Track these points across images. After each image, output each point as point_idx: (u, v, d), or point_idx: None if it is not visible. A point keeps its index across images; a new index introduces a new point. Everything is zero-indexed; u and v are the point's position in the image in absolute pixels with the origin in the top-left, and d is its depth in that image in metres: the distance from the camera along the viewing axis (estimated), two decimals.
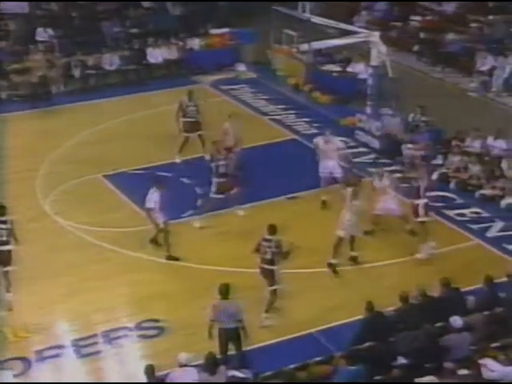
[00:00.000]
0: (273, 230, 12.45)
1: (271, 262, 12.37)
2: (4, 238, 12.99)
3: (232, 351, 11.26)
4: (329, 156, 16.40)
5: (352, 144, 19.60)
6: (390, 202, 15.00)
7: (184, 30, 25.77)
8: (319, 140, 16.76)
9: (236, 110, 17.56)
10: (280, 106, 22.31)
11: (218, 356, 10.46)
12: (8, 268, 13.04)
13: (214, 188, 15.38)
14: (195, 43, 25.42)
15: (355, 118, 20.30)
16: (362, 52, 21.68)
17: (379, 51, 19.16)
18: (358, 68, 22.71)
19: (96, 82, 23.89)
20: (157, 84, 23.56)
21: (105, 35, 25.23)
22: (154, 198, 14.28)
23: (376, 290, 13.22)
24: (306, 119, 21.36)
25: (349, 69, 23.20)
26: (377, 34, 19.52)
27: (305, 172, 17.17)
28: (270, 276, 12.46)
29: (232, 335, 11.24)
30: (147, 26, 25.99)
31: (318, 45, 21.83)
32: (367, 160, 18.78)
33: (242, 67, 25.24)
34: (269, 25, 24.59)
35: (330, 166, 16.35)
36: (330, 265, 14.05)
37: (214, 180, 15.38)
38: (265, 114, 21.84)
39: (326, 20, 21.66)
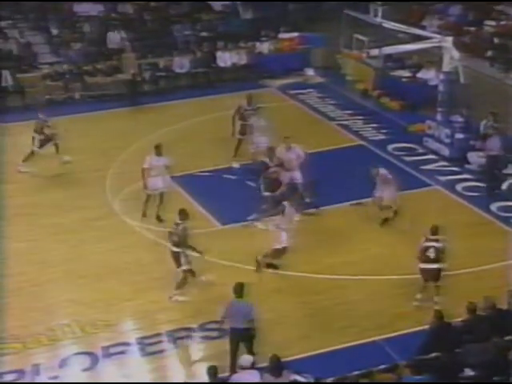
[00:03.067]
0: (183, 214, 13.13)
1: (177, 245, 13.12)
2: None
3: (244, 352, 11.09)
4: (290, 165, 16.08)
5: (420, 151, 19.53)
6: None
7: (254, 33, 26.01)
8: (280, 148, 16.33)
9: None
10: (348, 112, 22.27)
11: (282, 359, 10.42)
12: None
13: (262, 187, 15.53)
14: (264, 47, 25.57)
15: (424, 124, 20.10)
16: (433, 58, 21.52)
17: (452, 57, 18.97)
18: (429, 74, 22.47)
19: (166, 84, 24.13)
20: (226, 87, 23.72)
21: (176, 38, 25.60)
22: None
23: (444, 299, 13.05)
24: (374, 125, 21.30)
25: (419, 75, 22.95)
26: (449, 39, 19.30)
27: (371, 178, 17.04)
28: (176, 258, 13.22)
29: (243, 336, 11.21)
30: (218, 30, 26.26)
31: (388, 50, 21.59)
32: (436, 168, 18.65)
33: (310, 72, 25.23)
34: (339, 29, 24.60)
35: (292, 175, 16.06)
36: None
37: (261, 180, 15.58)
38: (332, 119, 21.81)
39: (397, 25, 21.56)
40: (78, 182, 17.87)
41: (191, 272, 13.40)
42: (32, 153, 18.40)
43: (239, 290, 11.29)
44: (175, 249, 13.29)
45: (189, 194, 17.05)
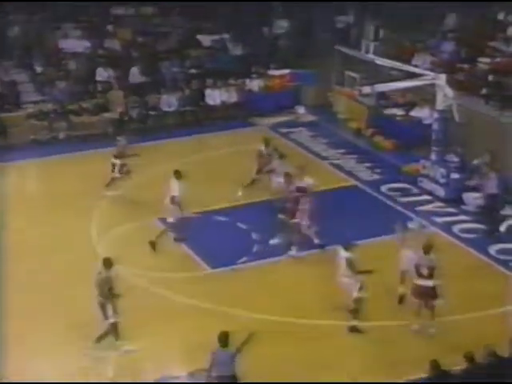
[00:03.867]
0: (107, 263, 12.93)
1: (101, 295, 12.88)
2: None
3: None
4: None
5: (415, 191, 19.57)
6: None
7: (244, 70, 26.13)
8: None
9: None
10: (341, 151, 22.38)
11: None
12: None
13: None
14: (254, 84, 25.68)
15: (419, 164, 20.17)
16: (426, 95, 21.52)
17: (445, 94, 19.00)
18: (423, 112, 22.53)
19: (154, 122, 24.23)
20: (215, 126, 23.85)
21: (164, 75, 25.62)
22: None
23: (440, 347, 12.97)
24: (367, 165, 21.39)
25: (413, 113, 23.01)
26: (443, 76, 19.33)
27: (367, 221, 17.12)
28: (102, 309, 13.00)
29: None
30: (206, 67, 26.31)
31: (381, 87, 21.59)
32: (432, 209, 18.63)
33: (301, 110, 25.38)
34: (330, 66, 24.74)
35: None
36: None
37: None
38: (325, 158, 21.90)
39: (390, 61, 21.64)
40: (65, 219, 17.69)
41: (115, 326, 13.00)
42: (113, 179, 18.70)
43: (224, 339, 11.27)
44: (101, 299, 13.04)
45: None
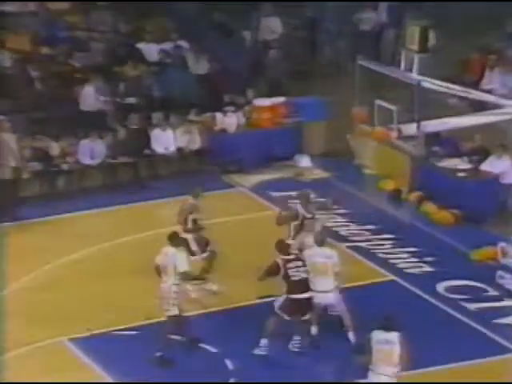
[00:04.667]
0: None
1: None
2: None
3: None
4: None
5: (492, 293, 19.56)
6: None
7: (213, 99, 26.32)
8: None
9: None
10: (368, 227, 22.47)
11: None
12: None
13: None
14: (230, 121, 25.85)
15: (497, 248, 20.29)
16: (507, 139, 21.94)
17: None
18: (502, 165, 22.72)
19: (66, 183, 24.33)
20: (165, 188, 23.97)
21: (84, 108, 25.67)
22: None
23: None
24: (411, 249, 21.35)
25: (485, 167, 23.07)
26: None
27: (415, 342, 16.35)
28: None
29: None
30: (153, 94, 26.54)
31: (433, 126, 21.83)
32: None
33: (305, 161, 25.53)
34: (349, 90, 25.08)
35: None
36: None
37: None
38: (344, 238, 21.95)
39: (446, 84, 22.16)
40: None
41: None
42: None
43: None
44: None
45: (98, 364, 17.21)
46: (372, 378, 15.19)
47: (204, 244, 19.55)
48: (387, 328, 14.89)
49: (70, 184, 24.20)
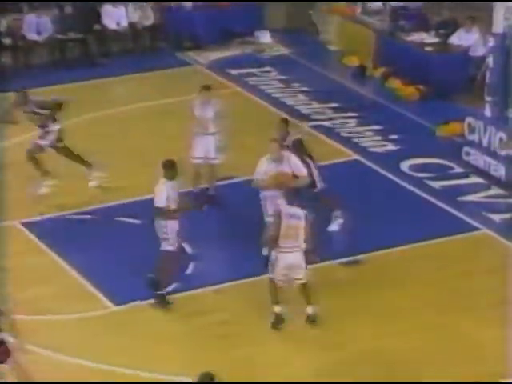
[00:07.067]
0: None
1: None
2: None
3: None
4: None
5: (457, 170, 19.66)
6: None
7: None
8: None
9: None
10: (332, 105, 22.39)
11: None
12: None
13: None
14: None
15: (462, 123, 20.11)
16: (476, 12, 22.23)
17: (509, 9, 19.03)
18: (470, 38, 22.73)
19: (12, 60, 24.24)
20: (116, 65, 24.11)
21: None
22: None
23: None
24: (376, 127, 21.36)
25: (453, 40, 23.12)
26: None
27: (376, 222, 17.30)
28: None
29: None
30: None
31: None
32: (484, 199, 18.71)
33: (265, 37, 25.55)
34: None
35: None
36: None
37: None
38: (306, 117, 21.82)
39: None
40: None
41: None
42: None
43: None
44: None
45: (54, 250, 17.03)
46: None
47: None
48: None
49: (15, 60, 24.14)
